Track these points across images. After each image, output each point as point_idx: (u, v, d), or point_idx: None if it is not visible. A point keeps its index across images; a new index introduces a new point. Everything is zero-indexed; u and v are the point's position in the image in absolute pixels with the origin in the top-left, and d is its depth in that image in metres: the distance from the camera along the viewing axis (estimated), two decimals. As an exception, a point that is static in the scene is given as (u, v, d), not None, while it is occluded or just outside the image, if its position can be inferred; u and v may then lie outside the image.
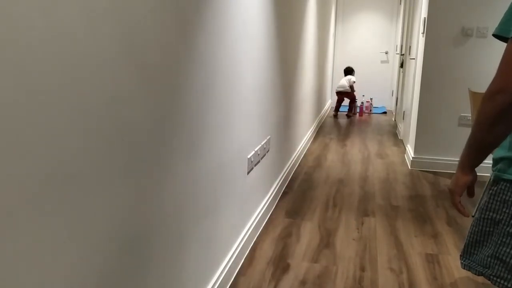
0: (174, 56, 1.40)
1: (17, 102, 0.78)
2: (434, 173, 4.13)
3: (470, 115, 3.55)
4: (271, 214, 3.03)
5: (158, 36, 1.28)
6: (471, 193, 1.32)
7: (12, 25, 0.75)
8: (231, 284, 2.14)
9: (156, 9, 1.26)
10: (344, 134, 5.92)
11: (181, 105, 1.48)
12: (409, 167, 4.34)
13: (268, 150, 2.95)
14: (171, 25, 1.36)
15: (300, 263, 2.37)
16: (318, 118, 6.24)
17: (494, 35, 1.16)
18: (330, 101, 8.31)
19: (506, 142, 1.21)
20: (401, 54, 6.43)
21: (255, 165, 2.60)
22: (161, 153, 1.35)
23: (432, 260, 2.46)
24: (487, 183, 1.28)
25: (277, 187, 3.28)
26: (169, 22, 1.35)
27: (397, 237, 2.75)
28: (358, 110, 7.61)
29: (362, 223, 2.95)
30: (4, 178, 0.76)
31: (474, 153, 1.24)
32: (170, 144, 1.41)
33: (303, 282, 2.18)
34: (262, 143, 2.75)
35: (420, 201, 3.42)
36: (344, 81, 7.24)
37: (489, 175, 1.29)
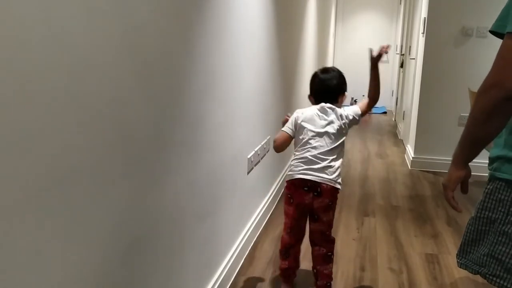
0: (174, 57, 1.40)
1: (17, 103, 0.78)
2: (434, 173, 4.13)
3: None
4: (271, 214, 3.03)
5: (158, 37, 1.28)
6: (464, 189, 1.33)
7: (13, 26, 0.75)
8: (231, 284, 2.14)
9: (157, 11, 1.26)
10: (344, 134, 5.91)
11: (181, 106, 1.48)
12: (409, 167, 4.34)
13: (268, 150, 2.95)
14: (171, 26, 1.36)
15: (300, 263, 2.37)
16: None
17: (491, 31, 1.17)
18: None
19: (501, 141, 1.21)
20: (401, 54, 6.43)
21: (255, 165, 2.60)
22: (161, 153, 1.35)
23: (432, 260, 2.46)
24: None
25: (277, 187, 3.28)
26: (170, 23, 1.35)
27: (397, 237, 2.74)
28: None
29: (362, 223, 2.95)
30: (5, 178, 0.76)
31: (467, 148, 1.24)
32: (170, 144, 1.41)
33: (303, 282, 2.18)
34: (262, 143, 2.75)
35: (420, 201, 3.42)
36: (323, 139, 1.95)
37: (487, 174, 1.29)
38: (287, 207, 1.98)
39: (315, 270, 2.02)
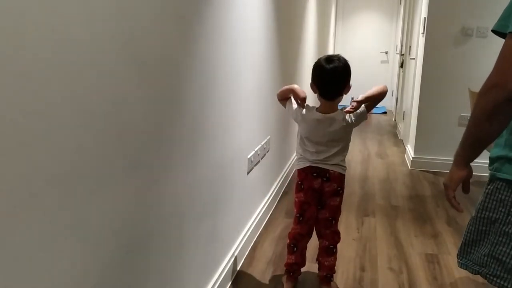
0: (174, 57, 1.40)
1: (20, 104, 0.78)
2: (434, 173, 4.13)
3: (469, 115, 3.55)
4: (271, 214, 3.03)
5: (158, 37, 1.28)
6: (466, 189, 1.32)
7: (14, 27, 0.75)
8: (231, 284, 2.14)
9: (156, 11, 1.26)
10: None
11: (182, 106, 1.48)
12: (409, 167, 4.34)
13: (268, 150, 2.95)
14: (171, 26, 1.36)
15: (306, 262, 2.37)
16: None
17: (493, 31, 1.16)
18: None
19: (502, 140, 1.21)
20: (401, 54, 6.43)
21: (255, 165, 2.60)
22: (162, 154, 1.35)
23: (432, 260, 2.46)
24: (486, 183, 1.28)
25: (277, 187, 3.28)
26: (169, 23, 1.35)
27: (397, 237, 2.74)
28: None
29: (362, 223, 2.95)
30: (6, 178, 0.76)
31: (468, 148, 1.24)
32: (170, 145, 1.41)
33: (303, 282, 2.18)
34: (262, 143, 2.75)
35: (420, 201, 3.42)
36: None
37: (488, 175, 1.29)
38: (297, 195, 2.03)
39: (317, 261, 2.12)
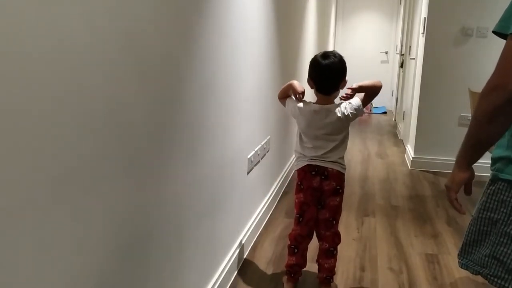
0: (174, 57, 1.39)
1: (20, 104, 0.78)
2: (434, 173, 4.13)
3: (470, 115, 3.55)
4: (271, 214, 3.03)
5: (158, 37, 1.28)
6: (468, 191, 1.32)
7: (14, 27, 0.75)
8: (231, 284, 2.14)
9: (157, 11, 1.26)
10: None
11: (182, 106, 1.48)
12: (409, 167, 4.34)
13: (268, 150, 2.95)
14: (171, 26, 1.36)
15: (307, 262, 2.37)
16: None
17: (494, 32, 1.16)
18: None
19: (504, 141, 1.20)
20: (401, 54, 6.42)
21: (255, 165, 2.60)
22: (162, 154, 1.35)
23: (432, 260, 2.45)
24: (487, 183, 1.28)
25: (277, 187, 3.28)
26: (169, 23, 1.35)
27: (397, 237, 2.74)
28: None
29: (362, 223, 2.95)
30: (9, 178, 0.76)
31: (470, 150, 1.24)
32: (170, 145, 1.41)
33: (303, 282, 2.18)
34: (262, 143, 2.75)
35: (420, 201, 3.42)
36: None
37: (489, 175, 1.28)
38: (297, 195, 2.04)
39: (317, 263, 2.11)
